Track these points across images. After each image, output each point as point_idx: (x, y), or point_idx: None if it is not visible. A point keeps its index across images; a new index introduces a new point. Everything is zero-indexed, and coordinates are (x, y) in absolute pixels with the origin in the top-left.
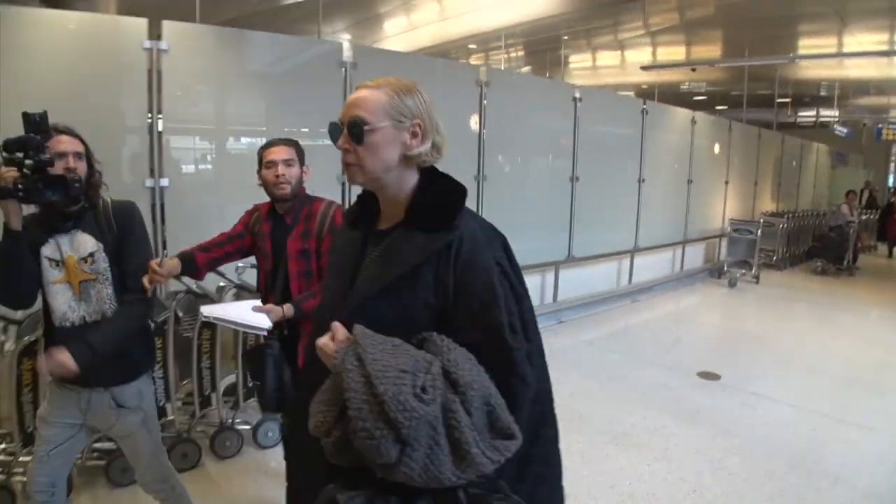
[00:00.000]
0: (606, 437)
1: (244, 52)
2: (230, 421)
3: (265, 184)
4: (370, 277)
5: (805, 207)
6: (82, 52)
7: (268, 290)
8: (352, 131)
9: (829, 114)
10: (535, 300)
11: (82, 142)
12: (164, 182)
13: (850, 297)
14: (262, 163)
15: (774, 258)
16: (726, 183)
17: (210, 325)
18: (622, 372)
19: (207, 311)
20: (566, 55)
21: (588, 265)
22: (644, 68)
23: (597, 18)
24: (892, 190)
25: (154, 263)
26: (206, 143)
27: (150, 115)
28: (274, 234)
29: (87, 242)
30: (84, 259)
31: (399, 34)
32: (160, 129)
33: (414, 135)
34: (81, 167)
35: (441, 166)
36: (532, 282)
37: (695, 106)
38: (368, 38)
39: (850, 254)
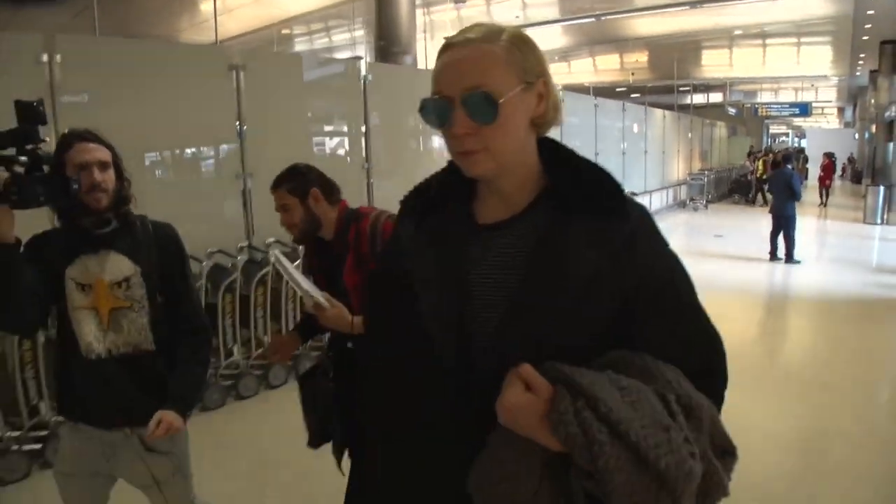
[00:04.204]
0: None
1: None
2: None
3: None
4: (532, 293)
5: (716, 165)
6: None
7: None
8: (477, 108)
9: (717, 98)
10: None
11: (109, 148)
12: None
13: (758, 212)
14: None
15: (710, 196)
16: (678, 151)
17: (263, 283)
18: (690, 234)
19: (277, 258)
20: None
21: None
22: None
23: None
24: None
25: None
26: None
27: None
28: (325, 265)
29: (121, 265)
30: (118, 284)
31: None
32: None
33: (541, 97)
34: (109, 178)
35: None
36: None
37: (619, 96)
38: None
39: (753, 191)
